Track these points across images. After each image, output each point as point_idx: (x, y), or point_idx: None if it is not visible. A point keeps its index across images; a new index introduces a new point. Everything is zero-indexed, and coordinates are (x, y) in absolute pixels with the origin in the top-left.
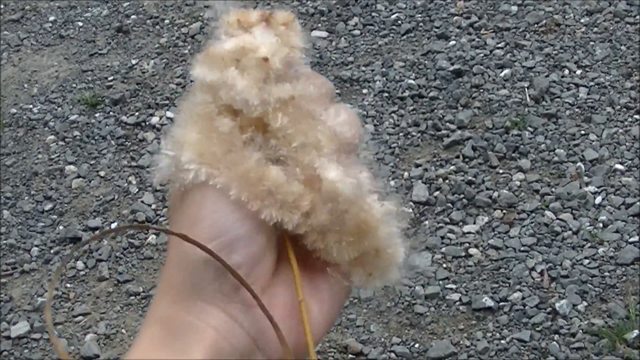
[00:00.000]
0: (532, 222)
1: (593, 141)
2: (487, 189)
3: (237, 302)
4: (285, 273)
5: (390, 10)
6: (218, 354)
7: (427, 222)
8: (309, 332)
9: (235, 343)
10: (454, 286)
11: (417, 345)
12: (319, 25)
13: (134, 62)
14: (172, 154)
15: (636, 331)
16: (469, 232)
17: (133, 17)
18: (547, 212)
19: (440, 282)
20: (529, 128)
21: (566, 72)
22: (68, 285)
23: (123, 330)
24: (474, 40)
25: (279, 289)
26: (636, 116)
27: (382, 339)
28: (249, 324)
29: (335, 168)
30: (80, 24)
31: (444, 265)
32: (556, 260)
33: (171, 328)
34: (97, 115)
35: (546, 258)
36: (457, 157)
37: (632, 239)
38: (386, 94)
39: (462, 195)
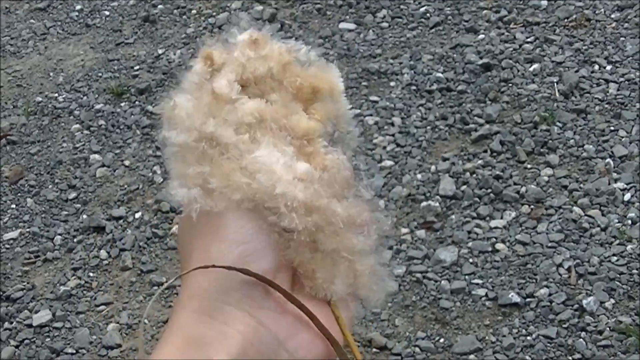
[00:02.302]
0: (559, 218)
1: (622, 137)
2: (515, 184)
3: (266, 308)
4: (301, 291)
5: (419, 3)
6: (244, 357)
7: (453, 216)
8: (348, 333)
9: (262, 348)
10: (480, 281)
11: (442, 340)
12: (347, 17)
13: (160, 51)
14: (182, 191)
15: None
16: (496, 227)
17: (160, 6)
18: (575, 208)
19: (467, 277)
20: (558, 123)
21: (596, 67)
22: (91, 274)
23: (145, 320)
24: (503, 34)
25: (302, 289)
26: None
27: (407, 334)
28: (278, 329)
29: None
30: (107, 13)
31: (471, 260)
32: (584, 257)
33: (195, 335)
34: (122, 104)
35: (574, 254)
36: (485, 151)
37: None
38: (414, 87)
39: (489, 190)
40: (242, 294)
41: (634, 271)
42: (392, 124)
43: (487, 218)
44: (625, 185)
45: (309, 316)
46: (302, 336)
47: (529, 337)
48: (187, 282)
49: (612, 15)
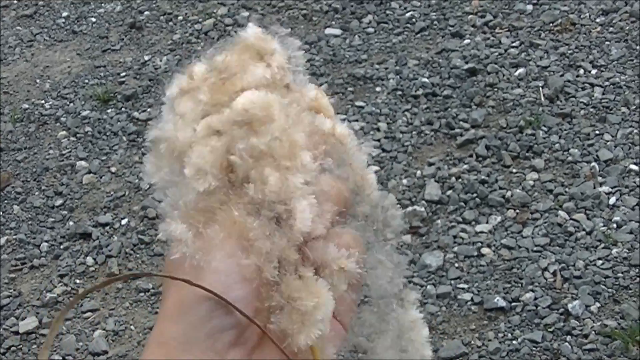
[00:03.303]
0: (545, 222)
1: (608, 141)
2: (500, 188)
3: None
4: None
5: (405, 8)
6: None
7: (439, 221)
8: None
9: None
10: (465, 286)
11: None
12: (333, 22)
13: (146, 58)
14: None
15: None
16: (482, 232)
17: (146, 13)
18: (561, 212)
19: (452, 281)
20: (543, 127)
21: (581, 71)
22: (77, 281)
23: (132, 327)
24: (488, 39)
25: (266, 349)
26: None
27: None
28: None
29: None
30: (94, 19)
31: (456, 265)
32: (569, 261)
33: None
34: (109, 111)
35: (559, 258)
36: (471, 156)
37: None
38: (400, 92)
39: (475, 195)
40: (207, 345)
41: (619, 275)
42: (378, 129)
43: (473, 223)
44: (610, 189)
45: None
46: None
47: (514, 342)
48: (159, 325)
49: (597, 20)
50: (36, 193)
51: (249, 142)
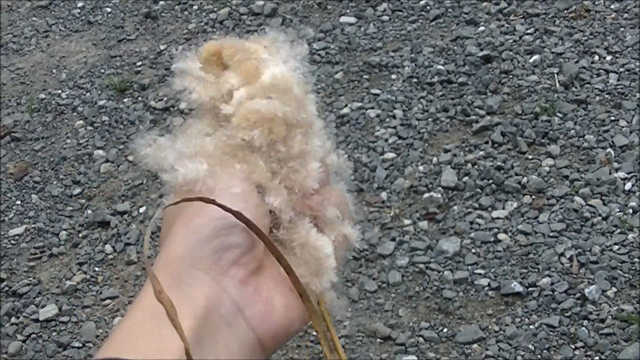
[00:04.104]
0: (561, 208)
1: (623, 127)
2: (516, 174)
3: (231, 276)
4: (271, 256)
5: None
6: (206, 319)
7: (455, 207)
8: (334, 332)
9: (223, 311)
10: (482, 271)
11: (445, 330)
12: (348, 10)
13: (162, 47)
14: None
15: None
16: (498, 218)
17: (161, 2)
18: (577, 198)
19: (469, 267)
20: (559, 114)
21: (596, 58)
22: (96, 268)
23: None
24: (503, 26)
25: (262, 277)
26: None
27: (411, 324)
28: (238, 297)
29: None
30: (109, 9)
31: (473, 251)
32: (585, 246)
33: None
34: (125, 100)
35: (575, 244)
36: (486, 142)
37: None
38: (415, 80)
39: (491, 181)
40: (211, 261)
41: (636, 260)
42: (394, 117)
43: (489, 209)
44: (626, 175)
45: (287, 270)
46: (259, 307)
47: (531, 326)
48: (165, 248)
49: (612, 6)
50: (54, 182)
51: (283, 109)
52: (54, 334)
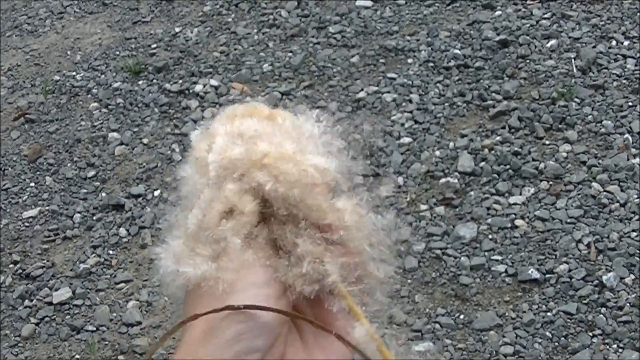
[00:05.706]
0: (578, 194)
1: None
2: (534, 160)
3: None
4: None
5: None
6: None
7: (472, 192)
8: (379, 340)
9: None
10: (499, 257)
11: (462, 316)
12: None
13: (177, 30)
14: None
15: None
16: (515, 203)
17: None
18: (594, 184)
19: (486, 253)
20: (576, 99)
21: (613, 43)
22: (110, 252)
23: (165, 298)
24: (520, 10)
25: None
26: None
27: (427, 310)
28: None
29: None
30: None
31: (490, 237)
32: (603, 233)
33: None
34: (140, 82)
35: (593, 230)
36: (503, 127)
37: None
38: (431, 64)
39: (508, 166)
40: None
41: None
42: (410, 101)
43: (506, 194)
44: None
45: (338, 337)
46: None
47: (549, 313)
48: (185, 348)
49: None
50: (68, 164)
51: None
52: (68, 317)
